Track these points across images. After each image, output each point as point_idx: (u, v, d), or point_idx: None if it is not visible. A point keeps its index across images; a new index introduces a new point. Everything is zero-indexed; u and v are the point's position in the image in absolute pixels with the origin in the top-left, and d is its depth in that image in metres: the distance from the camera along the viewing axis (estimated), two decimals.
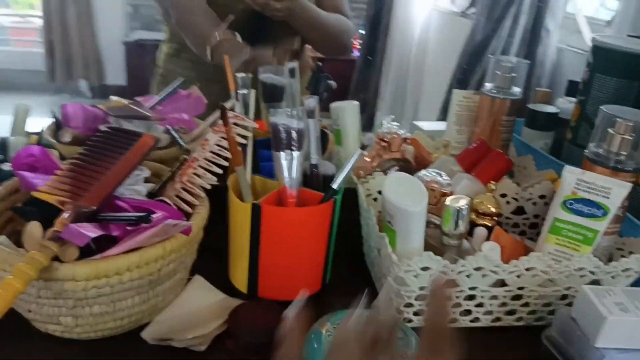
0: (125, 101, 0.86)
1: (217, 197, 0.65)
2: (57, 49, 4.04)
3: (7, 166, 0.71)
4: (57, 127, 0.74)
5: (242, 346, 0.56)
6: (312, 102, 0.65)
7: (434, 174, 0.69)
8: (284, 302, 0.45)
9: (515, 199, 0.79)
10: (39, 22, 4.13)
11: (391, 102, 3.33)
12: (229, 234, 0.66)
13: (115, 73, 4.20)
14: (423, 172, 0.70)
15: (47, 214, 0.54)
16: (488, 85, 0.87)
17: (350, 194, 0.71)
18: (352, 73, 3.58)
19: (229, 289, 0.66)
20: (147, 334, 0.57)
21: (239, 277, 0.66)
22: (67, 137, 0.72)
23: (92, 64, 4.15)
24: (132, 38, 4.05)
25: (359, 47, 3.82)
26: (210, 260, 0.65)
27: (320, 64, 0.77)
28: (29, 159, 0.58)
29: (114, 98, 0.90)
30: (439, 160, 0.83)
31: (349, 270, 0.74)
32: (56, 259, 0.49)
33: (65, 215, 0.51)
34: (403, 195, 0.59)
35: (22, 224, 0.57)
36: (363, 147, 0.61)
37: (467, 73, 2.14)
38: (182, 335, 0.56)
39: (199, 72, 1.13)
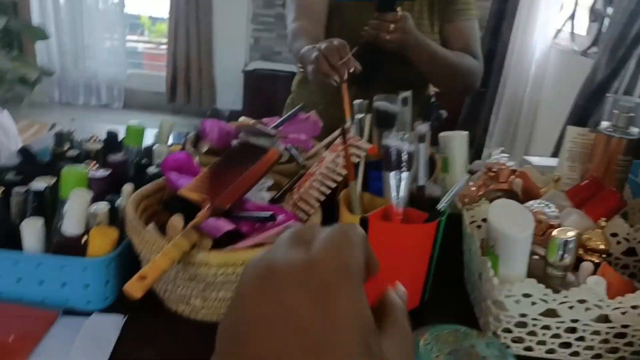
0: (252, 121, 0.97)
1: (326, 211, 0.71)
2: (179, 74, 4.44)
3: (152, 169, 0.83)
4: (197, 139, 0.85)
5: None
6: (423, 127, 0.69)
7: (542, 205, 0.70)
8: None
9: (627, 240, 0.77)
10: (164, 48, 4.57)
11: (500, 138, 3.25)
12: None
13: (234, 99, 4.52)
14: (531, 202, 0.71)
15: (187, 209, 0.63)
16: (605, 124, 0.86)
17: (452, 221, 0.74)
18: (461, 106, 3.55)
19: None
20: None
21: None
22: (204, 147, 0.82)
23: (206, 90, 4.49)
24: (250, 67, 4.35)
25: None
26: None
27: (432, 94, 0.81)
28: (176, 163, 0.68)
29: (242, 118, 1.01)
30: (548, 194, 0.83)
31: (447, 293, 0.76)
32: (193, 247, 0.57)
33: (205, 211, 0.60)
34: (509, 221, 0.61)
35: (165, 218, 0.67)
36: (471, 173, 0.64)
37: (585, 113, 2.05)
38: None
39: (323, 97, 1.19)
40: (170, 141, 0.97)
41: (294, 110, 0.96)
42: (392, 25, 0.99)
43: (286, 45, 1.22)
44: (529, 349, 0.65)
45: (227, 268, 0.57)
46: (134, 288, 0.49)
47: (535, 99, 3.15)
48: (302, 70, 1.07)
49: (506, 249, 0.61)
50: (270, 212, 0.58)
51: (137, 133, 0.85)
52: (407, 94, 0.82)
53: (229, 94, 4.53)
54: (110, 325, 0.62)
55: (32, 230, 0.62)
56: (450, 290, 0.77)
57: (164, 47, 4.84)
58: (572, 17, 2.89)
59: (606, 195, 0.77)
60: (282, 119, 0.94)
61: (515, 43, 3.18)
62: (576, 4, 2.87)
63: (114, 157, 0.80)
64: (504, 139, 3.27)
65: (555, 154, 2.28)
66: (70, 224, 0.61)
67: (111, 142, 0.88)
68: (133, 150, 0.87)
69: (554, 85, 3.01)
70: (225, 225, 0.58)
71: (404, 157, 0.65)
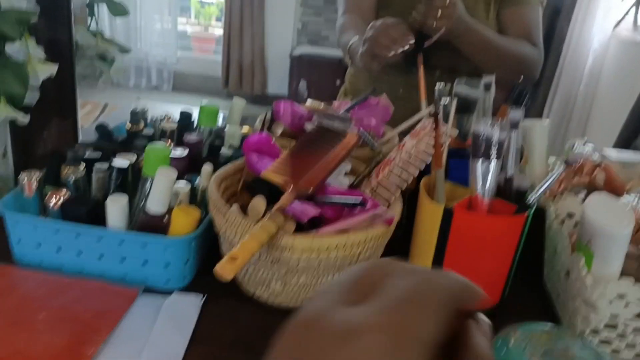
0: (321, 104, 0.95)
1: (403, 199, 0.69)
2: (232, 58, 4.48)
3: (225, 150, 0.83)
4: (271, 121, 0.85)
5: None
6: (517, 114, 0.66)
7: (636, 200, 0.66)
8: None
9: None
10: (218, 32, 4.60)
11: (553, 129, 3.14)
12: (413, 234, 0.70)
13: (279, 83, 4.52)
14: (625, 197, 0.67)
15: (269, 191, 0.63)
16: None
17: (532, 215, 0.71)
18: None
19: None
20: None
21: None
22: (279, 130, 0.81)
23: (258, 74, 4.52)
24: (297, 52, 4.33)
25: None
26: (388, 256, 0.69)
27: (521, 80, 0.77)
28: (257, 144, 0.67)
29: (310, 100, 0.99)
30: (636, 190, 0.78)
31: (524, 290, 0.73)
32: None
33: (289, 194, 0.59)
34: (608, 216, 0.57)
35: (244, 199, 0.66)
36: (568, 163, 0.61)
37: None
38: None
39: (377, 86, 1.17)
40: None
41: (364, 94, 0.94)
42: (440, 11, 0.94)
43: (334, 30, 1.19)
44: (616, 351, 0.62)
45: (311, 253, 0.56)
46: (226, 270, 0.48)
47: (591, 91, 3.01)
48: (350, 62, 1.05)
49: (603, 246, 0.58)
50: (360, 198, 0.57)
51: (211, 113, 0.85)
52: (490, 78, 0.78)
53: (276, 78, 4.54)
54: (190, 305, 0.62)
55: (116, 207, 0.62)
56: (528, 288, 0.74)
57: (214, 30, 4.87)
58: (636, 5, 2.74)
59: None
60: (352, 103, 0.92)
61: (573, 33, 3.05)
62: None
63: (190, 136, 0.80)
64: (558, 129, 3.16)
65: (620, 147, 2.18)
66: (155, 202, 0.62)
67: (185, 122, 0.88)
68: (206, 130, 0.87)
69: (614, 76, 2.87)
70: (311, 210, 0.57)
71: (494, 145, 0.62)
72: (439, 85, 0.76)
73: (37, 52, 0.67)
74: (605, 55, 2.97)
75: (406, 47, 0.93)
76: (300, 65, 4.24)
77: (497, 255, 0.65)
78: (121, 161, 0.67)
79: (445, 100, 0.72)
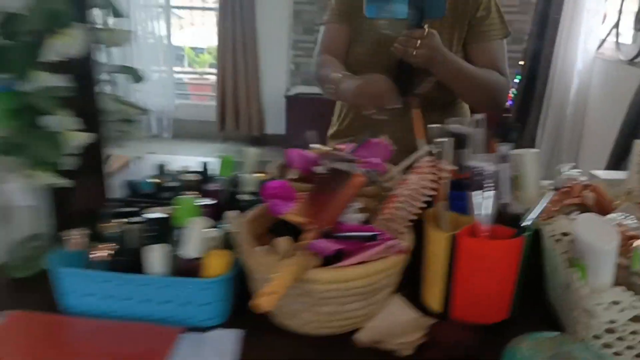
0: (325, 148, 1.03)
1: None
2: (228, 102, 4.59)
3: (243, 196, 0.90)
4: (283, 167, 0.93)
5: (445, 357, 0.65)
6: (505, 149, 0.74)
7: (622, 217, 0.73)
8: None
9: None
10: (213, 79, 4.73)
11: (548, 151, 3.23)
12: (423, 261, 0.77)
13: (277, 123, 4.63)
14: (612, 215, 0.74)
15: (292, 232, 0.70)
16: None
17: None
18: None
19: (420, 308, 0.76)
20: (361, 336, 0.69)
21: (434, 299, 0.76)
22: (292, 174, 0.89)
23: (255, 116, 4.62)
24: (292, 92, 4.45)
25: (512, 96, 3.80)
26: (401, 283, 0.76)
27: (507, 115, 0.86)
28: (275, 190, 0.75)
29: (315, 145, 1.07)
30: (623, 207, 0.85)
31: (531, 305, 0.80)
32: None
33: (312, 232, 0.66)
34: (595, 234, 0.65)
35: (266, 239, 0.74)
36: (556, 189, 0.68)
37: (638, 124, 2.05)
38: (391, 340, 0.67)
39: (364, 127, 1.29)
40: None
41: (365, 136, 1.02)
42: (419, 42, 1.04)
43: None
44: (618, 353, 0.68)
45: (336, 284, 0.63)
46: (266, 302, 0.55)
47: (580, 111, 3.12)
48: (330, 90, 1.19)
49: (594, 260, 0.65)
50: (373, 232, 0.64)
51: (229, 163, 0.93)
52: (480, 116, 0.87)
53: (273, 119, 4.65)
54: (230, 339, 0.69)
55: (157, 255, 0.70)
56: (533, 302, 0.80)
57: (208, 76, 5.01)
58: (616, 26, 2.88)
59: None
60: (356, 144, 1.01)
61: (559, 55, 3.18)
62: (620, 13, 2.85)
63: (212, 186, 0.88)
64: (552, 153, 3.25)
65: (612, 166, 2.26)
66: (191, 248, 0.69)
67: (205, 172, 0.96)
68: (224, 179, 0.95)
69: (601, 96, 2.99)
70: (332, 245, 0.64)
71: (488, 177, 0.70)
72: (433, 126, 0.84)
73: (69, 122, 0.76)
74: (590, 75, 3.09)
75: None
76: (296, 105, 4.36)
77: (501, 275, 0.72)
78: (156, 213, 0.75)
79: (441, 139, 0.80)
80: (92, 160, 0.84)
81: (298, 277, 0.60)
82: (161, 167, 0.97)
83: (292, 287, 0.64)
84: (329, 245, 0.64)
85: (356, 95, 1.09)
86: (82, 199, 0.91)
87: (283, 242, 0.69)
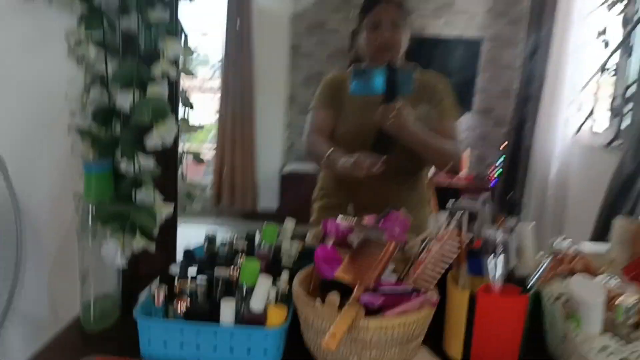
0: (349, 219, 1.20)
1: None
2: (225, 177, 4.76)
3: (286, 260, 1.05)
4: (323, 236, 1.09)
5: None
6: (512, 222, 0.91)
7: (607, 278, 0.90)
8: None
9: None
10: (209, 154, 4.91)
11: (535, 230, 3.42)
12: (445, 314, 0.92)
13: (270, 200, 4.78)
14: (598, 277, 0.91)
15: (339, 288, 0.85)
16: None
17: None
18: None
19: (443, 357, 0.90)
20: None
21: (455, 349, 0.90)
22: (329, 242, 1.05)
23: (250, 192, 4.77)
24: (287, 170, 4.65)
25: (496, 175, 4.07)
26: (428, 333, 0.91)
27: (512, 192, 1.04)
28: (326, 254, 0.91)
29: (341, 217, 1.24)
30: (607, 273, 1.02)
31: (533, 353, 0.94)
32: None
33: (359, 287, 0.81)
34: (586, 291, 0.81)
35: (317, 295, 0.88)
36: (554, 254, 0.85)
37: (617, 204, 2.25)
38: None
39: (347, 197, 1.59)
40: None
41: (386, 210, 1.20)
42: (395, 112, 1.30)
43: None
44: None
45: (381, 331, 0.78)
46: (330, 343, 0.70)
47: (561, 192, 3.34)
48: (322, 162, 1.45)
49: (586, 312, 0.81)
50: (412, 287, 0.80)
51: (272, 232, 1.09)
52: (486, 195, 1.05)
53: (266, 195, 4.80)
54: None
55: (229, 307, 0.84)
56: (536, 353, 0.95)
57: (205, 154, 5.19)
58: (591, 113, 3.19)
59: None
60: (379, 217, 1.18)
61: (538, 140, 3.45)
62: (595, 102, 3.17)
63: (261, 252, 1.03)
64: (537, 228, 3.44)
65: (594, 240, 2.45)
66: (258, 301, 0.83)
67: (251, 240, 1.12)
68: (267, 246, 1.10)
69: (581, 178, 3.23)
70: (377, 299, 0.79)
71: (500, 244, 0.87)
72: (451, 202, 1.02)
73: (158, 197, 0.92)
74: (569, 160, 3.34)
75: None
76: (290, 182, 4.54)
77: (512, 327, 0.87)
78: (224, 273, 0.90)
79: (457, 214, 0.98)
80: (166, 230, 1.00)
81: (352, 324, 0.75)
82: (211, 238, 1.12)
83: (345, 333, 0.79)
84: (374, 298, 0.79)
85: (345, 163, 1.33)
86: (148, 262, 1.05)
87: (334, 296, 0.84)
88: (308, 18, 4.45)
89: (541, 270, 0.86)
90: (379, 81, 1.36)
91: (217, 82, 4.59)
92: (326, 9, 4.39)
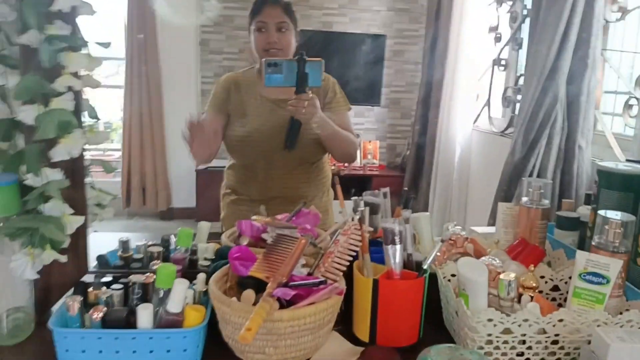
0: (267, 218, 1.26)
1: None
2: (133, 178, 4.59)
3: (203, 262, 1.09)
4: (238, 236, 1.13)
5: None
6: (407, 213, 1.01)
7: (490, 259, 1.02)
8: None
9: (552, 279, 1.10)
10: (117, 154, 4.72)
11: (440, 213, 3.67)
12: (353, 300, 1.00)
13: (186, 197, 4.67)
14: (483, 258, 1.03)
15: (254, 285, 0.90)
16: (524, 199, 1.22)
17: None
18: (400, 187, 3.97)
19: (353, 339, 0.98)
20: None
21: (362, 331, 0.98)
22: (244, 241, 1.10)
23: (162, 191, 4.64)
24: (201, 166, 4.56)
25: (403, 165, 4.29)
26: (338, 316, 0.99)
27: (405, 189, 1.15)
28: (239, 254, 0.95)
29: (255, 217, 1.29)
30: (492, 253, 1.16)
31: (433, 329, 1.05)
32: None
33: (272, 283, 0.87)
34: (471, 271, 0.92)
35: (233, 293, 0.93)
36: (443, 241, 0.96)
37: (510, 188, 2.48)
38: None
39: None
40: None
41: (298, 207, 1.27)
42: (307, 102, 1.39)
43: None
44: (497, 359, 0.94)
45: (294, 321, 0.84)
46: (247, 337, 0.75)
47: (464, 177, 3.62)
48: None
49: (472, 290, 0.92)
50: (320, 279, 0.87)
51: (187, 235, 1.12)
52: (386, 190, 1.15)
53: (182, 193, 4.69)
54: None
55: (146, 312, 0.86)
56: (435, 327, 1.06)
57: (112, 153, 4.96)
58: (487, 103, 3.46)
59: (532, 249, 1.11)
60: (291, 214, 1.24)
61: (442, 129, 3.69)
62: (490, 93, 3.44)
63: (177, 255, 1.06)
64: (444, 214, 3.70)
65: (491, 223, 2.68)
66: (175, 304, 0.87)
67: (166, 244, 1.14)
68: (182, 249, 1.13)
69: (480, 163, 3.50)
70: (289, 292, 0.85)
71: (397, 234, 0.96)
72: (355, 198, 1.11)
73: (66, 209, 0.92)
74: (470, 146, 3.61)
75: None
76: (206, 178, 4.46)
77: (411, 308, 0.96)
78: (139, 279, 0.92)
79: (361, 207, 1.06)
80: (75, 238, 0.99)
81: (265, 317, 0.80)
82: (124, 243, 1.13)
83: (260, 326, 0.84)
84: (286, 292, 0.85)
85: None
86: (60, 272, 1.05)
87: (249, 293, 0.89)
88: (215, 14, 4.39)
89: (433, 255, 0.96)
90: (291, 73, 1.41)
91: (122, 78, 4.41)
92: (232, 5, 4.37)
